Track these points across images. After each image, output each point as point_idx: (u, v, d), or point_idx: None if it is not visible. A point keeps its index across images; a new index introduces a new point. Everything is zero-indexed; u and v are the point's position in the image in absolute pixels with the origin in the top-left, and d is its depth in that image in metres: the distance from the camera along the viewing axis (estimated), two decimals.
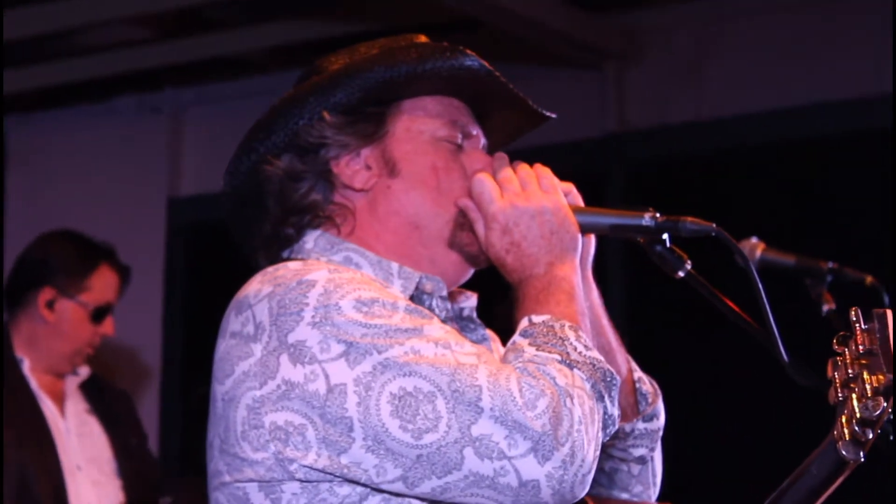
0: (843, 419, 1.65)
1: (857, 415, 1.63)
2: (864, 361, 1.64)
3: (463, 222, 1.77)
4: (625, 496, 1.87)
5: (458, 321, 1.84)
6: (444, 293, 1.77)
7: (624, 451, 1.84)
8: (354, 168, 1.78)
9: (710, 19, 4.91)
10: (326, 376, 1.59)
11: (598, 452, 1.60)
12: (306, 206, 1.78)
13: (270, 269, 1.71)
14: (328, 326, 1.60)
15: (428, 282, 1.76)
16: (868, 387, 1.62)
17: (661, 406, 1.86)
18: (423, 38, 1.82)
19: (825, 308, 3.06)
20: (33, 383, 3.52)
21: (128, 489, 3.53)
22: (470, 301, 1.87)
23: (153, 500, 3.54)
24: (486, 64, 1.77)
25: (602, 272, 1.87)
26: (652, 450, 1.86)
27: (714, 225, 1.74)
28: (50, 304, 3.54)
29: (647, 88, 5.00)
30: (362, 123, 1.77)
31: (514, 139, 1.91)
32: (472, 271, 1.82)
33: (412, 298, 1.73)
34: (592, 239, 1.82)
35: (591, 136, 4.98)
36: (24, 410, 3.45)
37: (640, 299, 4.84)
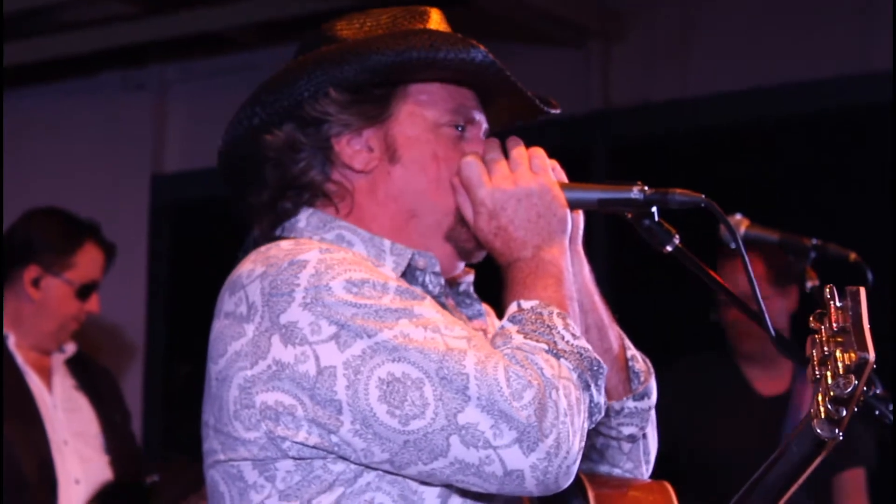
0: (819, 397, 1.65)
1: (831, 393, 1.63)
2: (838, 339, 1.64)
3: (462, 215, 1.76)
4: (616, 472, 1.87)
5: (455, 296, 1.84)
6: (437, 269, 1.77)
7: (614, 429, 1.84)
8: (355, 148, 1.76)
9: None
10: (317, 358, 1.59)
11: (583, 443, 1.60)
12: (305, 183, 1.77)
13: (263, 248, 1.70)
14: (319, 307, 1.60)
15: (420, 258, 1.75)
16: (840, 365, 1.62)
17: (653, 385, 1.86)
18: (434, 14, 1.81)
19: (808, 284, 3.06)
20: (19, 359, 3.52)
21: (115, 465, 3.53)
22: (468, 277, 1.86)
23: (139, 478, 3.54)
24: (495, 60, 1.75)
25: (585, 248, 1.86)
26: (642, 428, 1.85)
27: (703, 196, 1.73)
28: (35, 282, 3.53)
29: (631, 66, 5.00)
30: (367, 104, 1.75)
31: (509, 125, 1.89)
32: (462, 265, 1.82)
33: (404, 275, 1.73)
34: (581, 215, 1.81)
35: (575, 114, 4.96)
36: (9, 385, 3.44)
37: (623, 275, 4.85)
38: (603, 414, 1.67)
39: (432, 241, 1.77)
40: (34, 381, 3.51)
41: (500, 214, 1.72)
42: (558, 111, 1.84)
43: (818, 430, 1.66)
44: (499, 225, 1.72)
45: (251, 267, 1.67)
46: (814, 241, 3.10)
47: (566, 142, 4.94)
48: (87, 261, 3.56)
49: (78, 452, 3.49)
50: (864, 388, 1.65)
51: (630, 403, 1.83)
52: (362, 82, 1.73)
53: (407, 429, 1.57)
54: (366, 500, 1.63)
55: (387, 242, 1.74)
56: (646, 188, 1.74)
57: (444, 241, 1.77)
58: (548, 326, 1.63)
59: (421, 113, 1.76)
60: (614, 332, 1.84)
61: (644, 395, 1.84)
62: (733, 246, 2.47)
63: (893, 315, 4.08)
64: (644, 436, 1.87)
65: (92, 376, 3.67)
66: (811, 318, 1.68)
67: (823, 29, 4.69)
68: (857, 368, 1.62)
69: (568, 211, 1.75)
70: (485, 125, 1.82)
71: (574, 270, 1.75)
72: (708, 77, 4.87)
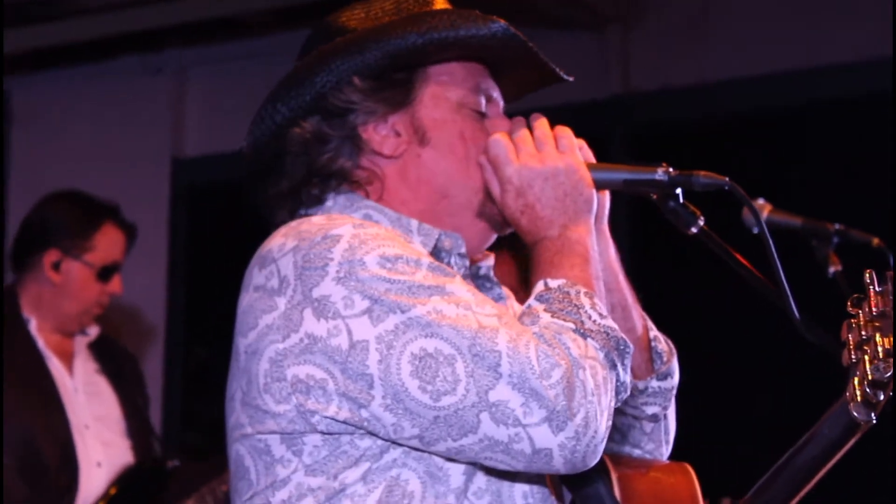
0: (856, 380, 1.66)
1: (869, 376, 1.63)
2: (877, 324, 1.65)
3: (490, 194, 1.76)
4: (637, 452, 1.88)
5: (475, 279, 1.84)
6: (463, 250, 1.77)
7: (637, 409, 1.85)
8: (383, 134, 1.77)
9: None
10: (349, 332, 1.59)
11: (609, 422, 1.61)
12: (335, 171, 1.77)
13: (294, 223, 1.70)
14: (353, 282, 1.60)
15: (447, 238, 1.76)
16: (880, 349, 1.62)
17: (675, 365, 1.87)
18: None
19: (831, 269, 3.05)
20: (40, 342, 3.52)
21: (136, 449, 3.53)
22: (488, 260, 1.87)
23: (161, 462, 3.54)
24: (516, 32, 1.75)
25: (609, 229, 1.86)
26: (665, 408, 1.87)
27: (727, 179, 1.72)
28: (56, 266, 3.54)
29: (650, 51, 4.98)
30: (390, 90, 1.76)
31: (523, 95, 1.90)
32: (495, 236, 1.82)
33: (431, 255, 1.73)
34: (607, 195, 1.81)
35: (595, 99, 4.95)
36: (30, 370, 3.45)
37: (646, 255, 4.84)
38: (628, 392, 1.67)
39: (464, 220, 1.78)
40: (55, 365, 3.51)
41: (527, 192, 1.72)
42: (571, 79, 1.84)
43: (855, 414, 1.66)
44: (525, 203, 1.72)
45: (282, 241, 1.67)
46: (836, 227, 3.08)
47: (584, 126, 4.92)
48: (107, 242, 3.57)
49: (99, 436, 3.49)
50: None
51: (654, 383, 1.84)
52: (384, 68, 1.74)
53: (438, 404, 1.57)
54: (391, 476, 1.63)
55: (414, 222, 1.75)
56: (670, 170, 1.74)
57: (475, 217, 1.78)
58: (575, 306, 1.63)
59: (444, 94, 1.77)
60: (637, 313, 1.84)
61: (667, 375, 1.85)
62: (756, 231, 2.46)
63: None
64: (665, 416, 1.88)
65: (115, 359, 3.67)
66: (848, 303, 1.67)
67: (844, 13, 4.67)
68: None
69: (594, 191, 1.75)
70: (501, 101, 1.83)
71: (599, 250, 1.75)
72: (726, 62, 4.85)
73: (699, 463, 1.85)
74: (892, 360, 1.61)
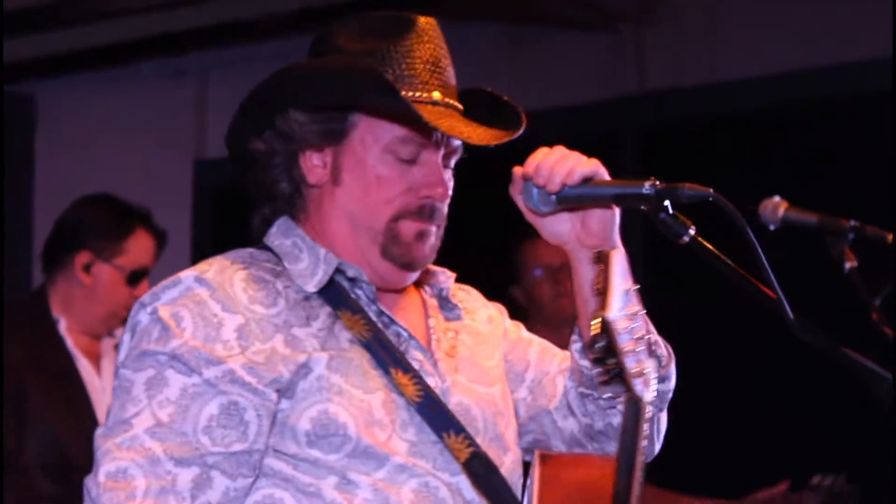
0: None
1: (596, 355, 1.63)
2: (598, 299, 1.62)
3: (395, 235, 1.83)
4: None
5: (440, 300, 1.94)
6: (365, 279, 1.84)
7: None
8: (314, 163, 1.85)
9: None
10: None
11: None
12: (276, 194, 1.87)
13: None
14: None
15: (349, 268, 1.84)
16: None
17: (673, 369, 1.90)
18: (421, 25, 1.85)
19: (847, 265, 3.05)
20: (69, 342, 3.55)
21: None
22: (448, 282, 1.95)
23: None
24: (428, 122, 1.78)
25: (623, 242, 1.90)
26: (661, 410, 1.91)
27: (711, 190, 1.75)
28: (87, 268, 3.56)
29: (662, 51, 4.99)
30: (327, 124, 1.83)
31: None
32: (413, 276, 1.89)
33: (333, 283, 1.82)
34: (616, 210, 1.86)
35: (608, 98, 4.98)
36: (59, 370, 3.48)
37: (659, 269, 4.86)
38: None
39: (372, 257, 1.85)
40: (84, 366, 3.55)
41: None
42: (519, 132, 1.87)
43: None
44: None
45: None
46: (851, 223, 3.09)
47: (598, 125, 4.96)
48: (138, 247, 3.59)
49: None
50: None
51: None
52: (326, 104, 1.82)
53: None
54: None
55: (322, 252, 1.83)
56: (657, 183, 1.77)
57: (381, 257, 1.85)
58: None
59: (372, 138, 1.83)
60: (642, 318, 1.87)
61: (665, 378, 1.88)
62: (773, 227, 2.49)
63: None
64: (658, 418, 1.92)
65: None
66: None
67: (852, 11, 4.67)
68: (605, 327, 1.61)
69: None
70: (456, 142, 1.87)
71: None
72: (736, 61, 4.86)
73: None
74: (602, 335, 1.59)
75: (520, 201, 1.84)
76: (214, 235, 5.65)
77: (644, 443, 1.61)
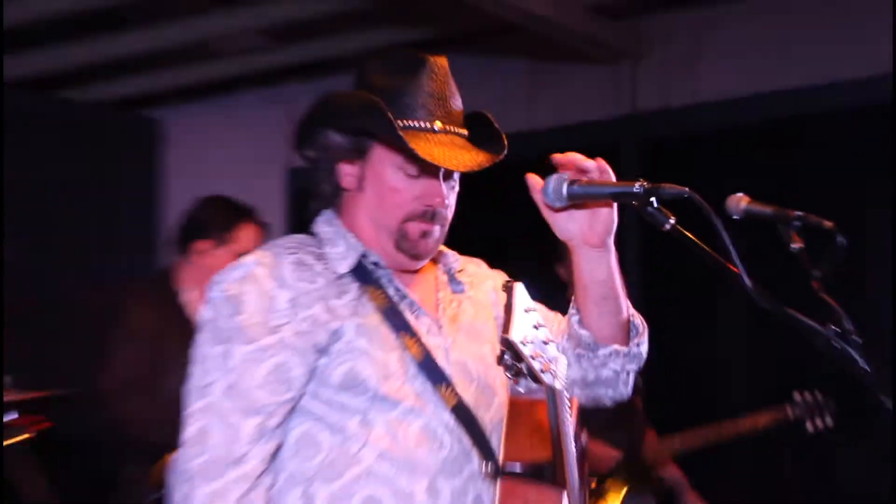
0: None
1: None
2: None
3: (405, 233, 1.88)
4: (610, 393, 1.99)
5: (448, 276, 1.99)
6: (383, 264, 1.89)
7: (622, 366, 1.97)
8: (346, 172, 1.91)
9: (706, 19, 4.87)
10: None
11: None
12: (320, 194, 1.93)
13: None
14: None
15: (372, 255, 1.89)
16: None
17: (646, 337, 1.97)
18: (431, 65, 1.88)
19: (794, 246, 3.11)
20: (188, 311, 3.55)
21: None
22: (456, 263, 2.01)
23: None
24: (430, 160, 1.80)
25: (619, 243, 1.93)
26: (639, 365, 1.98)
27: (687, 189, 1.71)
28: (207, 252, 3.57)
29: (654, 78, 4.96)
30: (354, 144, 1.89)
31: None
32: (422, 262, 1.94)
33: (361, 266, 1.87)
34: (615, 212, 1.87)
35: (608, 117, 4.97)
36: (179, 332, 3.52)
37: (654, 269, 4.80)
38: None
39: (388, 248, 1.90)
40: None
41: None
42: (501, 156, 1.87)
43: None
44: None
45: None
46: (797, 213, 3.14)
47: (600, 140, 4.89)
48: (247, 236, 3.58)
49: None
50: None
51: (634, 348, 1.96)
52: (356, 130, 1.88)
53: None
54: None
55: (353, 240, 1.89)
56: (645, 183, 1.75)
57: (395, 250, 1.90)
58: None
59: (388, 158, 1.88)
60: (624, 300, 1.94)
61: (640, 343, 1.96)
62: (736, 217, 2.55)
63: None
64: (627, 372, 1.98)
65: None
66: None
67: (822, 38, 4.55)
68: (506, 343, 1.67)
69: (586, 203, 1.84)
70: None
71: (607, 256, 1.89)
72: (716, 85, 4.80)
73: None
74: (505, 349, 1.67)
75: (538, 199, 1.84)
76: (302, 228, 5.68)
77: (567, 416, 1.70)
